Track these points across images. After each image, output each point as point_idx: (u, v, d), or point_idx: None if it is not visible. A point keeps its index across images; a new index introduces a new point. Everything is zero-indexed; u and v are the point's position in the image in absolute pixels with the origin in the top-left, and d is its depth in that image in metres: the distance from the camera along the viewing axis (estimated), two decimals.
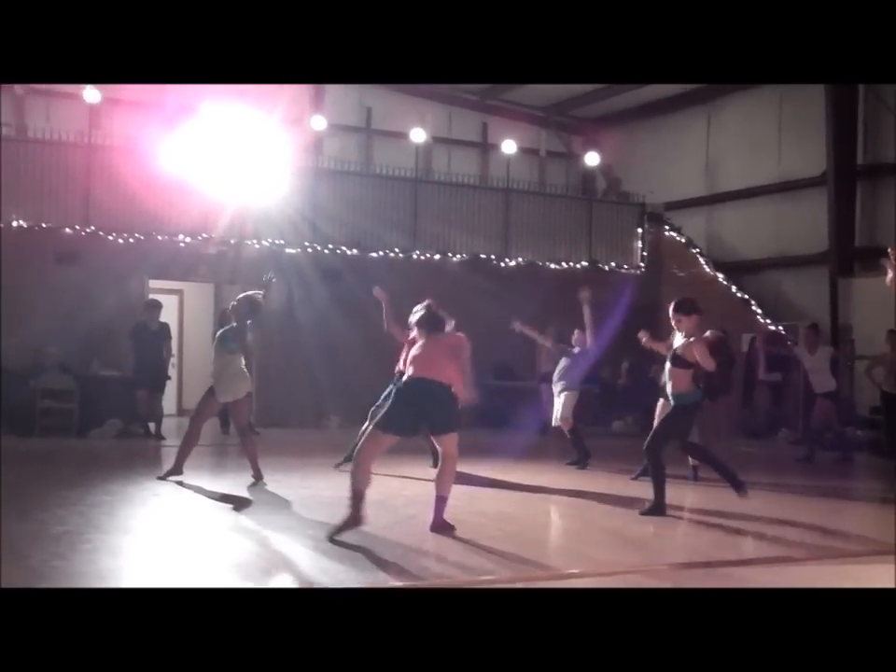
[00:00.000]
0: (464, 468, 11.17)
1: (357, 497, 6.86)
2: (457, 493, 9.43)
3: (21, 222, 15.19)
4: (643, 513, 8.19)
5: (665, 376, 8.78)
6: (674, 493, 9.51)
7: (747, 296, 19.18)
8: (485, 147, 22.39)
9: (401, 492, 9.33)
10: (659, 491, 8.27)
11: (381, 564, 6.08)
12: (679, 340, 8.46)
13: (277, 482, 9.70)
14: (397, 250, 17.82)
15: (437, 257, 18.17)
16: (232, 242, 16.38)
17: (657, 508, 8.21)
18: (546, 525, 8.23)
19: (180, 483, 9.39)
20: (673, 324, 8.50)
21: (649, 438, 8.58)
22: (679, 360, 8.38)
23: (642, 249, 20.17)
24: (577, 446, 11.97)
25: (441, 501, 7.29)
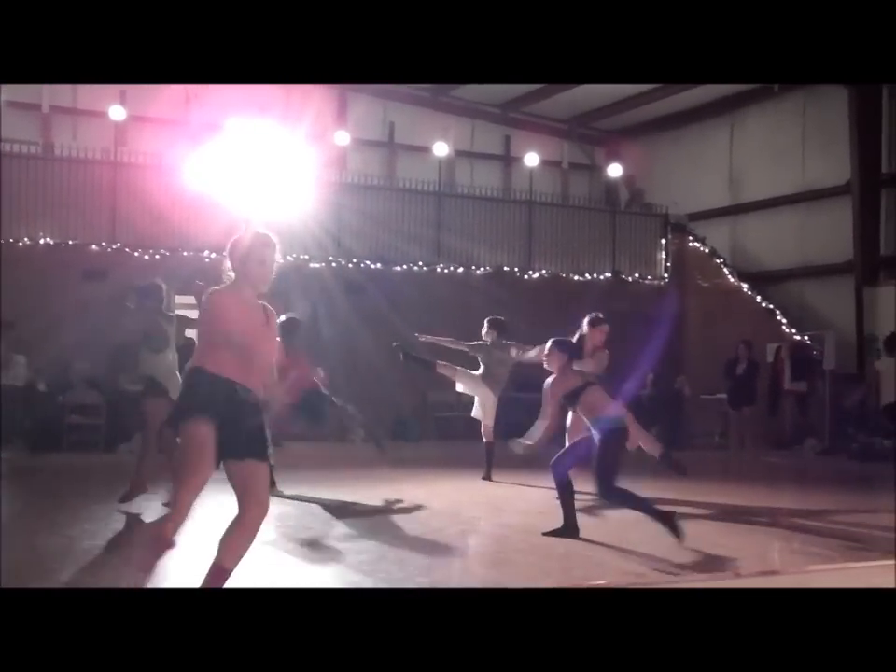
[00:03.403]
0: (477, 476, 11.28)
1: None
2: (481, 504, 9.50)
3: (48, 239, 15.34)
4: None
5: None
6: (704, 501, 9.51)
7: (771, 306, 19.14)
8: (508, 160, 22.44)
9: (428, 503, 9.36)
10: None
11: (406, 577, 6.10)
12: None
13: (303, 494, 9.77)
14: (420, 264, 17.87)
15: (460, 270, 18.21)
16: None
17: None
18: (581, 535, 8.20)
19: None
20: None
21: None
22: None
23: (666, 260, 20.15)
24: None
25: (215, 570, 4.78)
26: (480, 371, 11.46)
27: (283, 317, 9.81)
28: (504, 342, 11.46)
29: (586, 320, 10.01)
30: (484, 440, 11.58)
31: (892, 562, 6.65)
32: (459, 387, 11.73)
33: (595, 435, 7.56)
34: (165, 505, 8.80)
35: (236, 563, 4.79)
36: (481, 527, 8.45)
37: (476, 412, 11.61)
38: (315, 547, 7.17)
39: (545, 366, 7.91)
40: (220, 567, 4.75)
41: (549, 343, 7.93)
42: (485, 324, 11.59)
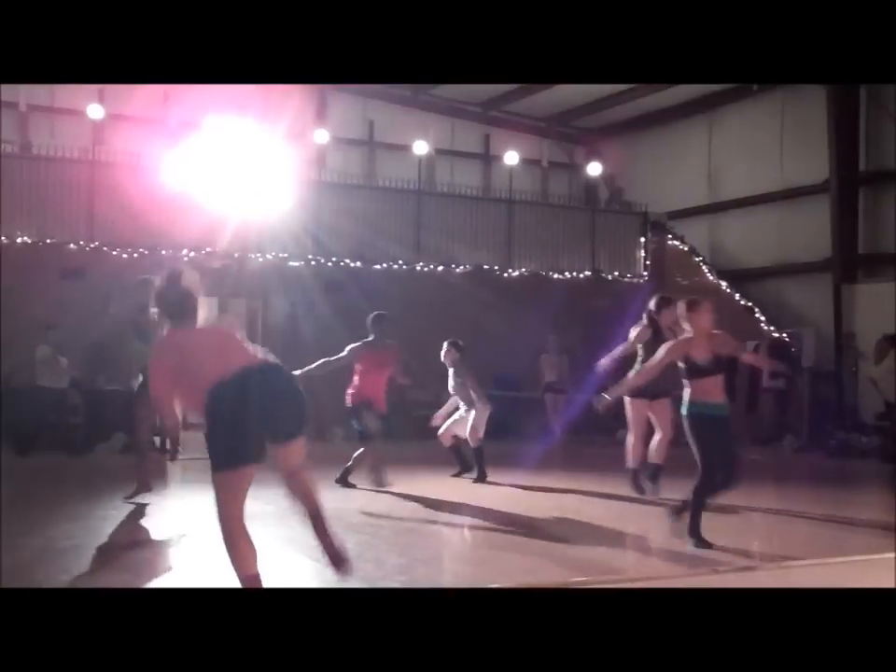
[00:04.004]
0: (469, 478, 11.28)
1: None
2: (460, 502, 9.49)
3: (25, 238, 15.24)
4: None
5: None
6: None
7: (750, 303, 19.21)
8: (488, 159, 22.44)
9: (406, 503, 9.35)
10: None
11: (385, 576, 6.10)
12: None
13: (280, 494, 9.72)
14: (400, 262, 17.85)
15: (440, 268, 18.19)
16: (236, 256, 16.41)
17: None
18: (551, 535, 8.21)
19: (184, 497, 9.41)
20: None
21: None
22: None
23: (645, 258, 20.18)
24: (459, 459, 11.63)
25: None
26: (464, 402, 11.50)
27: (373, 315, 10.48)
28: (465, 367, 11.46)
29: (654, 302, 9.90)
30: (473, 445, 11.48)
31: (869, 557, 6.71)
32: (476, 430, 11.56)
33: (692, 416, 7.30)
34: (127, 499, 8.84)
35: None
36: (459, 526, 8.44)
37: (475, 427, 11.43)
38: (293, 546, 7.14)
39: (685, 325, 7.41)
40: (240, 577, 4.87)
41: (689, 302, 7.49)
42: (446, 346, 11.56)
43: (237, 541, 4.86)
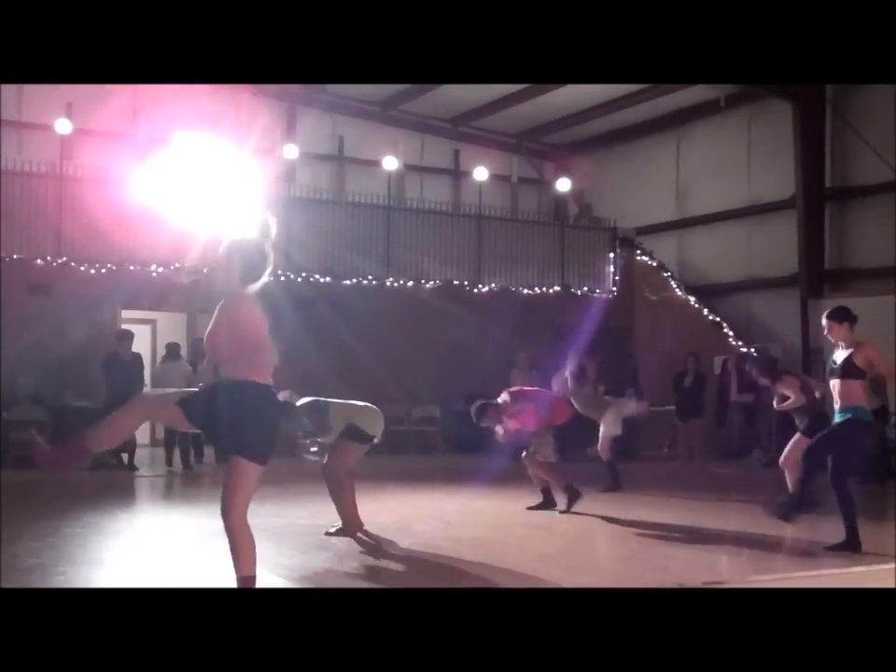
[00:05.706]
0: (438, 493, 11.27)
1: None
2: (430, 518, 9.47)
3: None
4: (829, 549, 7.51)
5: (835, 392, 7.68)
6: (653, 512, 9.57)
7: (718, 318, 19.33)
8: (457, 174, 22.50)
9: (375, 518, 9.32)
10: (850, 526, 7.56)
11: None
12: (840, 352, 7.64)
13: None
14: (370, 277, 17.86)
15: (410, 283, 18.21)
16: (205, 271, 16.34)
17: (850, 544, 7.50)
18: (521, 549, 8.21)
19: (155, 514, 9.34)
20: (826, 332, 7.74)
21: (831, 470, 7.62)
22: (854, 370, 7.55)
23: (614, 274, 20.29)
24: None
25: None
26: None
27: None
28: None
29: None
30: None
31: (836, 571, 6.74)
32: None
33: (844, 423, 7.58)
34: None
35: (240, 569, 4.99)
36: (430, 541, 8.41)
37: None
38: (261, 563, 7.10)
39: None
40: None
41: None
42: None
43: (243, 538, 5.04)
